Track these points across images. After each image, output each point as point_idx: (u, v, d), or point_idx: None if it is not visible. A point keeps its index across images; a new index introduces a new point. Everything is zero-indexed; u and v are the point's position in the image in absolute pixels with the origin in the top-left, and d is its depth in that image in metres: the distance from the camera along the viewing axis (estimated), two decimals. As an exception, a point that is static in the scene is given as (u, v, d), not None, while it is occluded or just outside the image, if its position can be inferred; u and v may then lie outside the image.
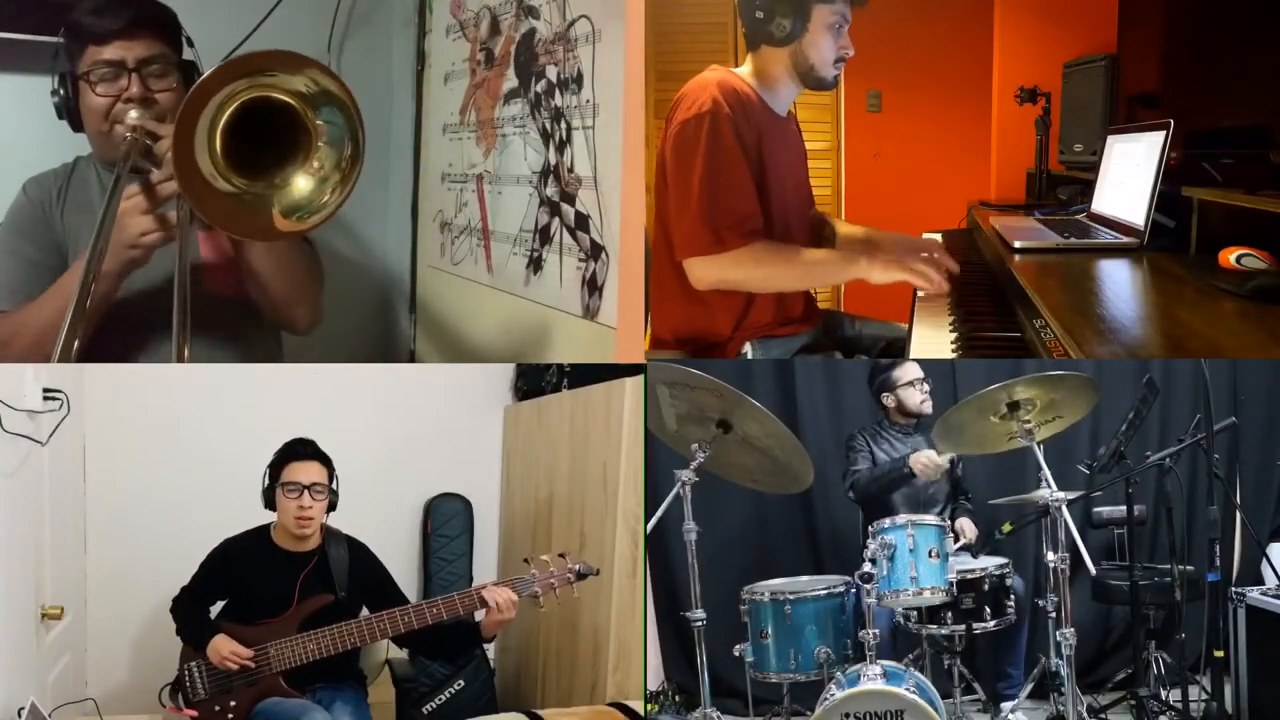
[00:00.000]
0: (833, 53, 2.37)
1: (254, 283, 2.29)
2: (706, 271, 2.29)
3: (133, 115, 2.18)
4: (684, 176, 2.27)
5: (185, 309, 1.88)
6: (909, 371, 2.94)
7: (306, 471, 2.36)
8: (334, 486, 2.40)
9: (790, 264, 2.34)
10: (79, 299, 1.71)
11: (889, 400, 2.97)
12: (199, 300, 2.15)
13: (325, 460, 2.39)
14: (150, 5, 2.30)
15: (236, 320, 2.40)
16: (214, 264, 2.34)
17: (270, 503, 2.39)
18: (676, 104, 2.33)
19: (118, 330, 2.23)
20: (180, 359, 1.84)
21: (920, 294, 2.48)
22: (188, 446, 2.82)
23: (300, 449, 2.38)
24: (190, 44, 2.36)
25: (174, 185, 1.93)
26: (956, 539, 2.81)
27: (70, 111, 2.27)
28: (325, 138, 1.85)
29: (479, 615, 2.34)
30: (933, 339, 2.25)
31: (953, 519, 2.90)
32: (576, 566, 2.34)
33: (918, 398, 2.94)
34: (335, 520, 2.44)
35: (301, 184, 1.87)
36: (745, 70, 2.42)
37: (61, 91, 2.26)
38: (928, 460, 2.81)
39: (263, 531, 2.41)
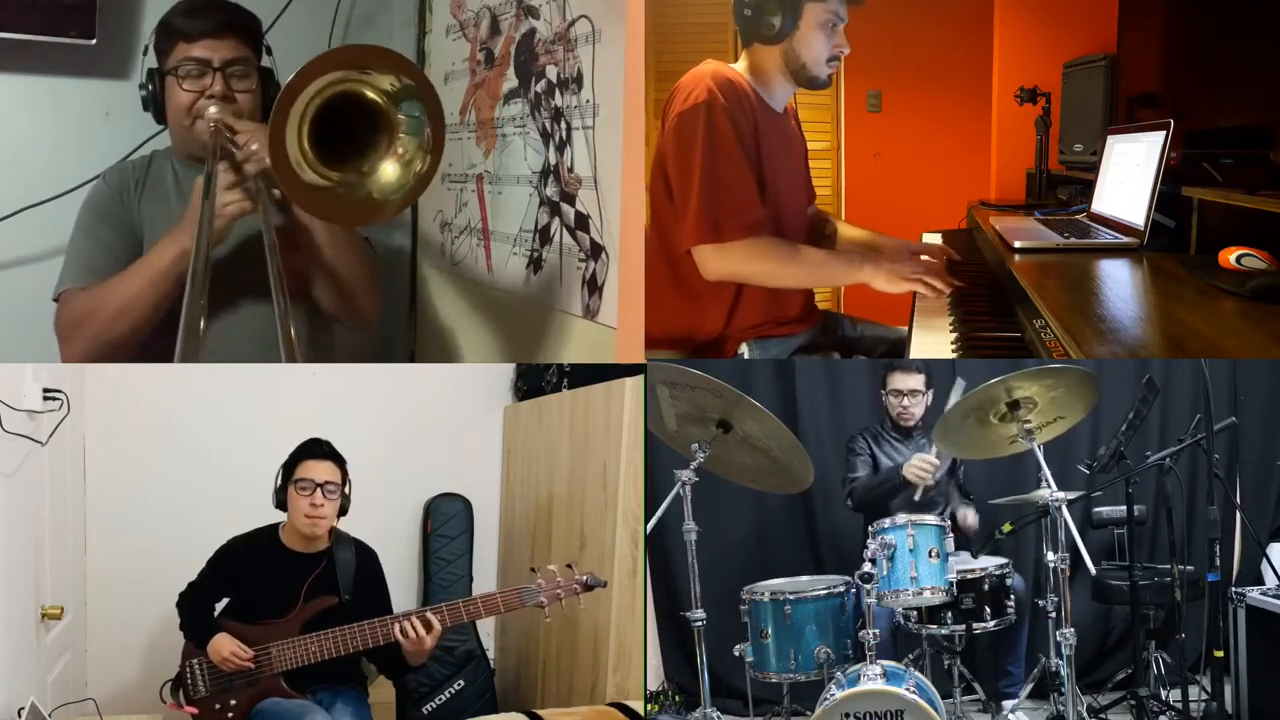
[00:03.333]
0: (826, 51, 2.36)
1: (318, 279, 2.39)
2: (716, 263, 2.29)
3: (212, 111, 2.30)
4: (684, 168, 2.27)
5: (283, 289, 1.95)
6: (895, 379, 2.93)
7: (320, 470, 2.35)
8: (346, 490, 2.39)
9: (794, 262, 2.35)
10: (191, 295, 1.76)
11: (884, 399, 2.98)
12: (264, 303, 2.26)
13: (339, 461, 2.39)
14: (238, 11, 2.45)
15: (299, 321, 2.43)
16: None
17: (281, 503, 2.38)
18: (672, 96, 2.33)
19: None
20: (289, 341, 1.90)
21: (920, 295, 2.48)
22: (188, 446, 2.82)
23: (315, 448, 2.38)
24: (269, 52, 2.49)
25: (254, 165, 2.08)
26: (958, 529, 2.81)
27: (155, 105, 2.41)
28: (405, 128, 1.94)
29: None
30: (933, 339, 2.25)
31: (954, 509, 2.90)
32: (584, 578, 2.34)
33: (895, 410, 2.94)
34: (341, 523, 2.44)
35: (390, 170, 1.96)
36: (740, 66, 2.42)
37: (149, 86, 2.40)
38: (919, 462, 2.81)
39: (271, 531, 2.40)
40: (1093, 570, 2.76)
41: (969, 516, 2.91)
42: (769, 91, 2.42)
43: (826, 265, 2.48)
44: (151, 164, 2.53)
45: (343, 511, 2.40)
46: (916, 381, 2.92)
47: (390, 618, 2.29)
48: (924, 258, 2.62)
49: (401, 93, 1.92)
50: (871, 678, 2.27)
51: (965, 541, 2.88)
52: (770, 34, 2.33)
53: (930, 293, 2.31)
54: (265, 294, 2.34)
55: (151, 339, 2.28)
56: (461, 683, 2.82)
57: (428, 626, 2.25)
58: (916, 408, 2.93)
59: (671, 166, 2.31)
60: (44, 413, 2.24)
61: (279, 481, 2.38)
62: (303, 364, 2.58)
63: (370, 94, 1.90)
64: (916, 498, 2.85)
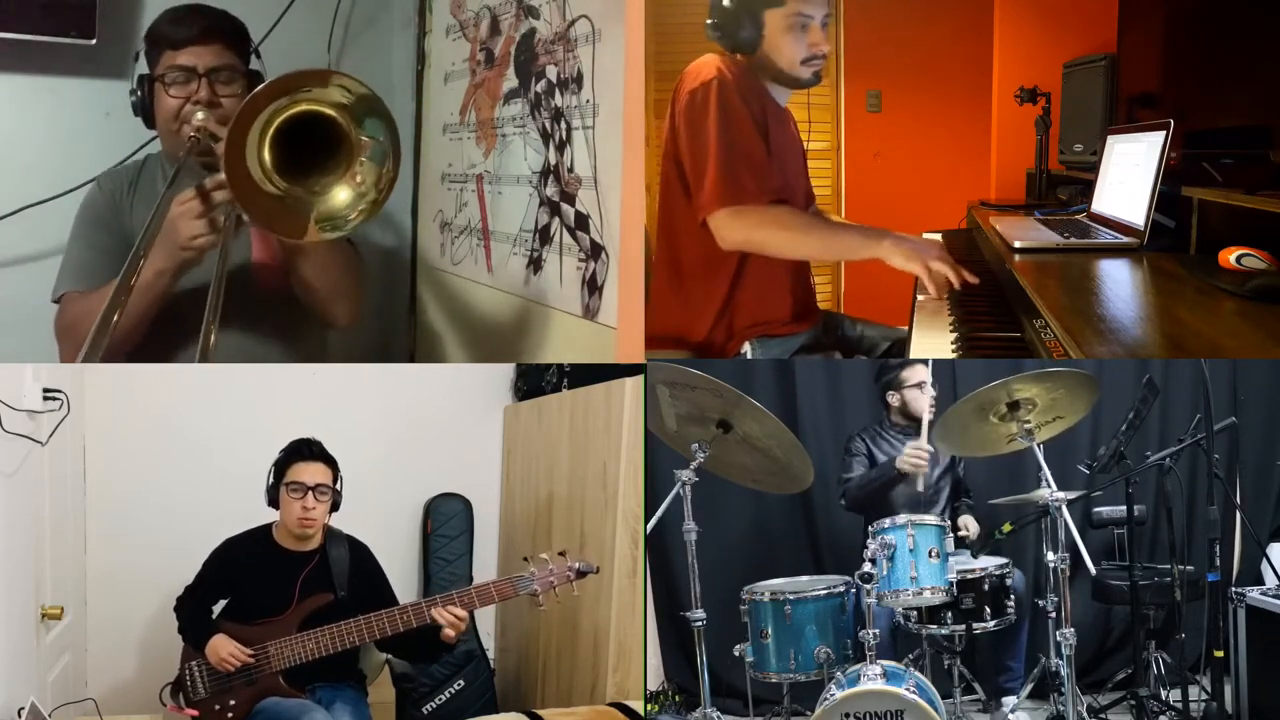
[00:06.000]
0: (799, 53, 2.33)
1: (298, 278, 2.40)
2: (734, 229, 2.25)
3: (199, 116, 2.33)
4: (699, 140, 2.26)
5: (217, 310, 1.95)
6: (918, 373, 2.92)
7: (311, 472, 2.36)
8: (338, 487, 2.40)
9: (813, 232, 2.34)
10: (114, 294, 1.79)
11: (894, 399, 2.96)
12: (249, 298, 2.37)
13: (330, 461, 2.40)
14: (223, 17, 2.47)
15: (285, 318, 2.49)
16: (266, 264, 2.45)
17: (274, 501, 2.39)
18: (680, 82, 2.34)
19: (169, 326, 2.32)
20: (205, 357, 1.90)
21: (920, 296, 2.48)
22: (188, 446, 2.82)
23: (306, 449, 2.39)
24: (258, 55, 2.52)
25: (225, 193, 2.08)
26: (958, 534, 2.81)
27: (145, 111, 2.45)
28: (368, 153, 1.99)
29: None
30: (933, 339, 2.25)
31: (954, 518, 2.90)
32: (576, 565, 2.34)
33: (924, 401, 2.93)
34: (336, 520, 2.44)
35: (342, 196, 2.01)
36: None
37: (139, 92, 2.44)
38: (912, 452, 2.80)
39: (265, 531, 2.41)
40: (1093, 570, 2.76)
41: (970, 525, 2.90)
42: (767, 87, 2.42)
43: (845, 236, 2.46)
44: (144, 168, 2.55)
45: (334, 508, 2.41)
46: (925, 372, 2.91)
47: (399, 608, 2.30)
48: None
49: (358, 106, 1.95)
50: (871, 678, 2.27)
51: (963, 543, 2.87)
52: (740, 45, 2.33)
53: (932, 288, 2.27)
54: (249, 287, 2.40)
55: (143, 344, 2.29)
56: (461, 683, 2.82)
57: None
58: (934, 399, 2.92)
59: (685, 141, 2.29)
60: (44, 413, 2.24)
61: (270, 480, 2.39)
62: (303, 364, 2.59)
63: (325, 110, 1.94)
64: (920, 488, 2.84)
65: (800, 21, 2.31)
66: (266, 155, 1.93)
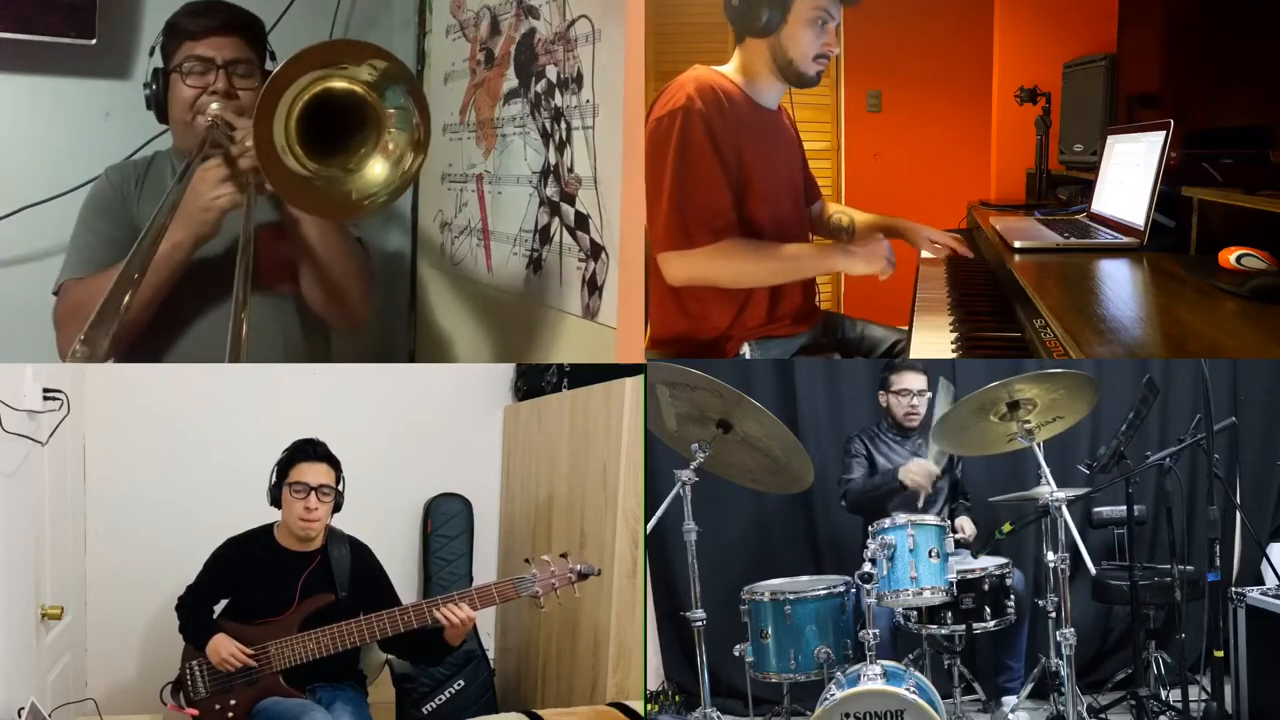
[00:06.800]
0: (813, 48, 2.34)
1: (307, 276, 2.41)
2: (678, 268, 2.30)
3: (214, 107, 2.34)
4: (656, 173, 2.27)
5: (245, 306, 1.94)
6: (904, 380, 2.93)
7: (314, 473, 2.36)
8: (340, 488, 2.40)
9: (763, 259, 2.34)
10: (127, 266, 1.79)
11: (883, 400, 2.98)
12: (253, 299, 2.30)
13: (334, 462, 2.40)
14: (243, 13, 2.49)
15: (287, 318, 2.49)
16: (270, 263, 2.43)
17: (276, 501, 2.39)
18: (656, 99, 2.33)
19: (177, 310, 2.33)
20: (236, 355, 1.89)
21: (920, 295, 2.48)
22: (188, 446, 2.82)
23: (309, 449, 2.39)
24: (273, 57, 2.51)
25: (248, 160, 2.10)
26: (954, 535, 2.81)
27: (158, 103, 2.44)
28: (395, 122, 1.99)
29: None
30: (933, 339, 2.25)
31: (952, 518, 2.90)
32: (578, 567, 2.34)
33: (902, 409, 2.94)
34: (336, 520, 2.44)
35: (378, 169, 2.01)
36: (731, 66, 2.42)
37: (154, 85, 2.44)
38: (917, 469, 2.81)
39: (266, 531, 2.41)
40: (1093, 570, 2.76)
41: (965, 528, 2.91)
42: (758, 90, 2.41)
43: (798, 260, 2.45)
44: (153, 163, 2.55)
45: (336, 509, 2.41)
46: (922, 381, 2.92)
47: (399, 609, 2.30)
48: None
49: (382, 80, 1.95)
50: (871, 678, 2.28)
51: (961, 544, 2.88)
52: (758, 27, 2.32)
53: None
54: (255, 289, 2.39)
55: (145, 331, 2.29)
56: (461, 683, 2.82)
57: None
58: (923, 406, 2.93)
59: (646, 173, 2.31)
60: (44, 413, 2.24)
61: (273, 479, 2.39)
62: (303, 364, 2.59)
63: (354, 88, 1.94)
64: (920, 504, 2.84)
65: (822, 17, 2.32)
66: (293, 134, 1.92)
